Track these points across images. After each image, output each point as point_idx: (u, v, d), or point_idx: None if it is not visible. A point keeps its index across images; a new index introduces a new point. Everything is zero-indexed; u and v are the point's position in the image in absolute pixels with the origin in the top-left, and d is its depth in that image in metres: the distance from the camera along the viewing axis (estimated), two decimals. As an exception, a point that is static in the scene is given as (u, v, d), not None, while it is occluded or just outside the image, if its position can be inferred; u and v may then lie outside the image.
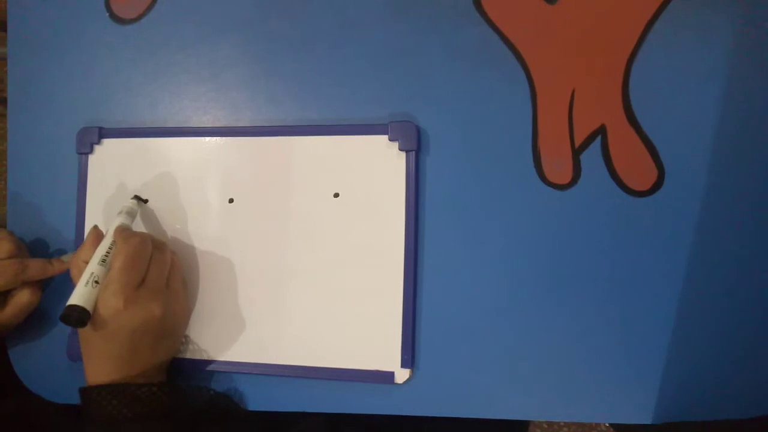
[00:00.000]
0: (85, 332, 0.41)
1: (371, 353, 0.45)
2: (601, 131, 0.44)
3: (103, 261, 0.41)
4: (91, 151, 0.51)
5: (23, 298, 0.46)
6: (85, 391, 0.41)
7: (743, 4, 0.42)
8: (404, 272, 0.44)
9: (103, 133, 0.50)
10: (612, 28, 0.44)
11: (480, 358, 0.44)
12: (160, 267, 0.43)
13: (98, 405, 0.40)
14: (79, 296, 0.40)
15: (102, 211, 0.50)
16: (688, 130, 0.43)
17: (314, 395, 0.46)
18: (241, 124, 0.49)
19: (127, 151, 0.50)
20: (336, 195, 0.46)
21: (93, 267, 0.41)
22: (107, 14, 0.52)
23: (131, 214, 0.47)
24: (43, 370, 0.51)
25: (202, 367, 0.47)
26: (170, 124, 0.50)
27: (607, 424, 1.01)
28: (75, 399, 0.49)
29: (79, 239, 0.50)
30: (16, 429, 0.48)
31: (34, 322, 0.50)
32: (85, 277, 0.40)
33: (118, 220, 0.45)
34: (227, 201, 0.48)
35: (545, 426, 1.05)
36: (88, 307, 0.39)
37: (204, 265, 0.48)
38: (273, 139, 0.48)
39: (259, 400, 0.47)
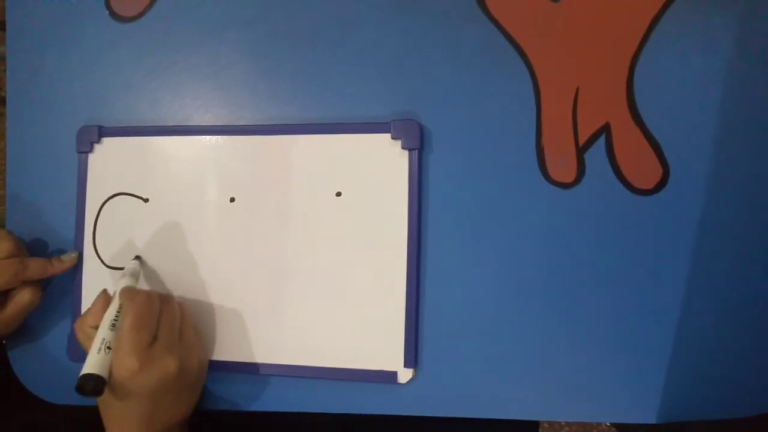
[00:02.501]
0: (104, 397, 0.40)
1: (374, 353, 0.45)
2: (606, 129, 0.43)
3: (113, 325, 0.41)
4: (91, 150, 0.50)
5: (23, 297, 0.46)
6: None
7: (748, 2, 0.42)
8: (407, 271, 0.44)
9: (103, 132, 0.50)
10: (616, 26, 0.43)
11: (483, 357, 0.44)
12: (170, 321, 0.42)
13: None
14: (92, 364, 0.38)
15: (102, 210, 0.50)
16: (692, 128, 0.42)
17: (316, 395, 0.46)
18: (242, 122, 0.48)
19: (127, 150, 0.50)
20: (338, 194, 0.46)
21: (104, 332, 0.40)
22: (107, 12, 0.51)
23: (134, 275, 0.46)
24: (43, 370, 0.51)
25: (203, 367, 0.47)
26: (171, 123, 0.50)
27: (609, 424, 1.02)
28: (73, 400, 0.50)
29: (78, 239, 0.50)
30: None
31: (33, 322, 0.50)
32: (97, 343, 0.39)
33: (122, 282, 0.44)
34: (228, 200, 0.48)
35: (546, 426, 1.05)
36: (103, 373, 0.38)
37: (205, 264, 0.48)
38: (274, 137, 0.47)
39: (260, 400, 0.47)
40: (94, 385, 0.38)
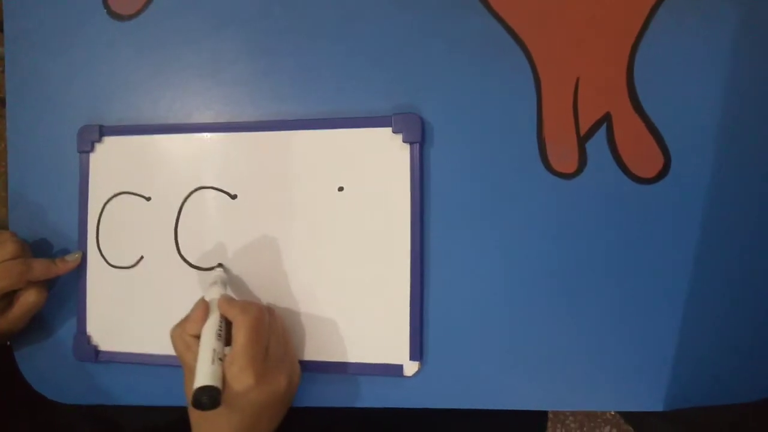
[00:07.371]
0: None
1: (379, 346, 0.45)
2: (607, 119, 0.43)
3: (219, 335, 0.39)
4: (92, 149, 0.50)
5: (29, 298, 0.46)
6: None
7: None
8: (411, 265, 0.44)
9: (104, 131, 0.50)
10: (616, 15, 0.43)
11: (488, 349, 0.44)
12: (277, 336, 0.42)
13: None
14: (208, 376, 0.37)
15: (104, 209, 0.50)
16: (693, 117, 0.42)
17: (322, 389, 0.46)
18: (243, 119, 0.48)
19: (128, 149, 0.50)
20: (340, 189, 0.46)
21: (213, 343, 0.39)
22: (105, 11, 0.51)
23: (224, 282, 0.45)
24: (49, 370, 0.51)
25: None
26: (172, 121, 0.50)
27: (613, 413, 1.02)
28: (81, 399, 0.50)
29: (81, 238, 0.50)
30: None
31: (39, 322, 0.50)
32: (208, 354, 0.38)
33: (214, 291, 0.43)
34: (230, 197, 0.48)
35: (551, 416, 1.05)
36: (218, 384, 0.37)
37: (208, 262, 0.48)
38: (276, 133, 0.47)
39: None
40: (212, 397, 0.37)
